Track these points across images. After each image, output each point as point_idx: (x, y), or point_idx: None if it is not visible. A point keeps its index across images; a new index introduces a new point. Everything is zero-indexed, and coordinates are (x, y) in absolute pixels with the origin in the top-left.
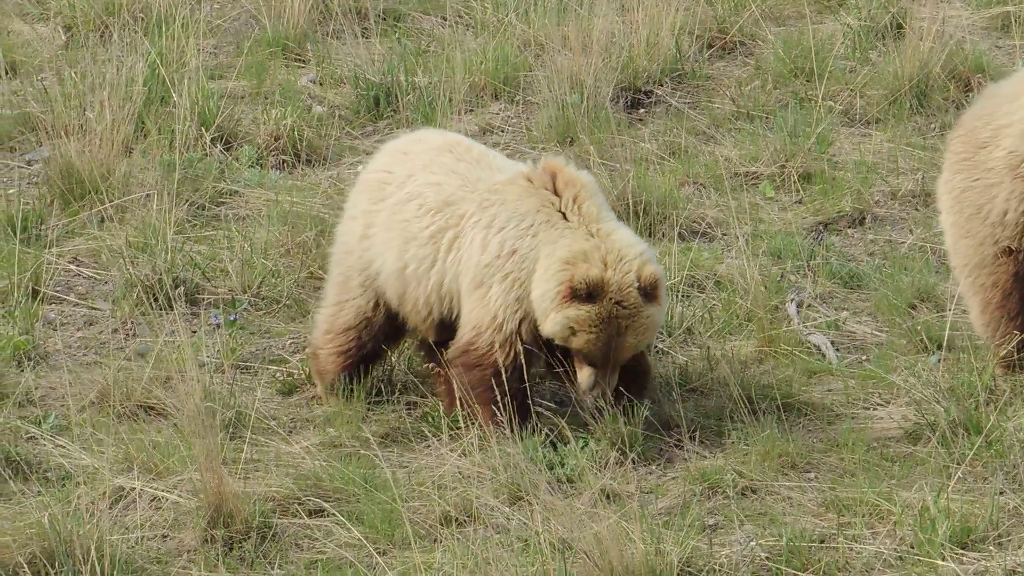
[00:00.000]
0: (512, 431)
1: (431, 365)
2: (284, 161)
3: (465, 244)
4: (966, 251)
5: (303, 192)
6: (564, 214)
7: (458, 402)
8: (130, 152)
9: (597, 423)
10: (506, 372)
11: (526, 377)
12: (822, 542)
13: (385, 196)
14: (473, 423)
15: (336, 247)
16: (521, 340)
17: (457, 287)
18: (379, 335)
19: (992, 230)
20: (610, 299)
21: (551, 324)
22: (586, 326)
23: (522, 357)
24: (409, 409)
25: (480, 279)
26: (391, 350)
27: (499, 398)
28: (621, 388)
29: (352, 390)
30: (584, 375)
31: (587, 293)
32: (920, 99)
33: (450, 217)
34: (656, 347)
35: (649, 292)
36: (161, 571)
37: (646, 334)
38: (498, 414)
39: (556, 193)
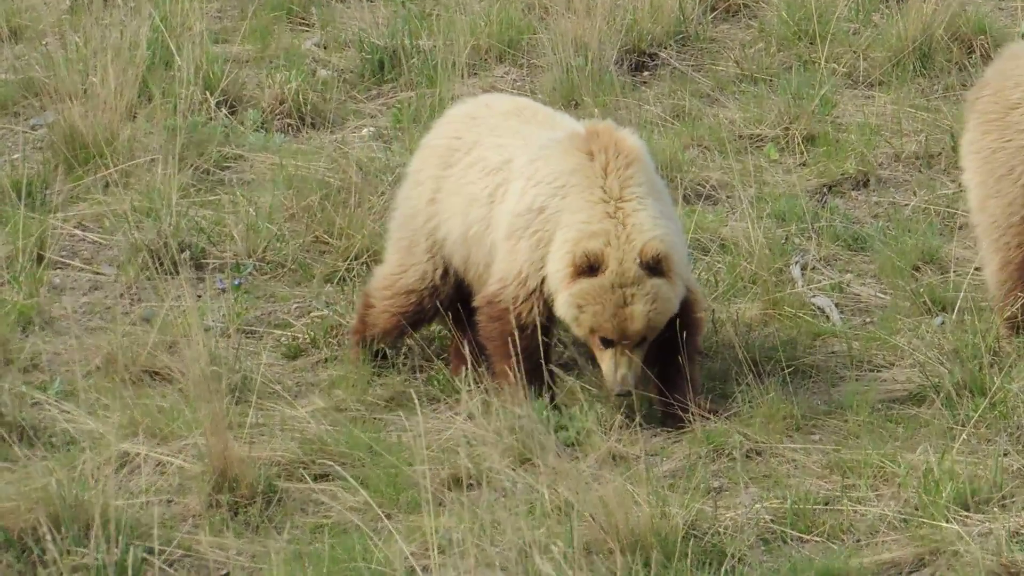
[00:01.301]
0: (522, 391)
1: (440, 328)
2: (289, 125)
3: (507, 195)
4: (994, 210)
5: (308, 156)
6: (591, 182)
7: (468, 363)
8: (134, 117)
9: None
10: (527, 329)
11: (548, 337)
12: (826, 504)
13: (453, 162)
14: (480, 384)
15: (399, 211)
16: (544, 299)
17: (497, 240)
18: (443, 301)
19: (1023, 192)
20: (611, 271)
21: (561, 305)
22: (590, 299)
23: (544, 316)
24: (415, 373)
25: (511, 229)
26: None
27: (515, 355)
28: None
29: (361, 356)
30: (605, 360)
31: (588, 266)
32: (923, 61)
33: (505, 174)
34: None
35: (652, 266)
36: (166, 536)
37: (655, 305)
38: (510, 373)
39: (592, 157)
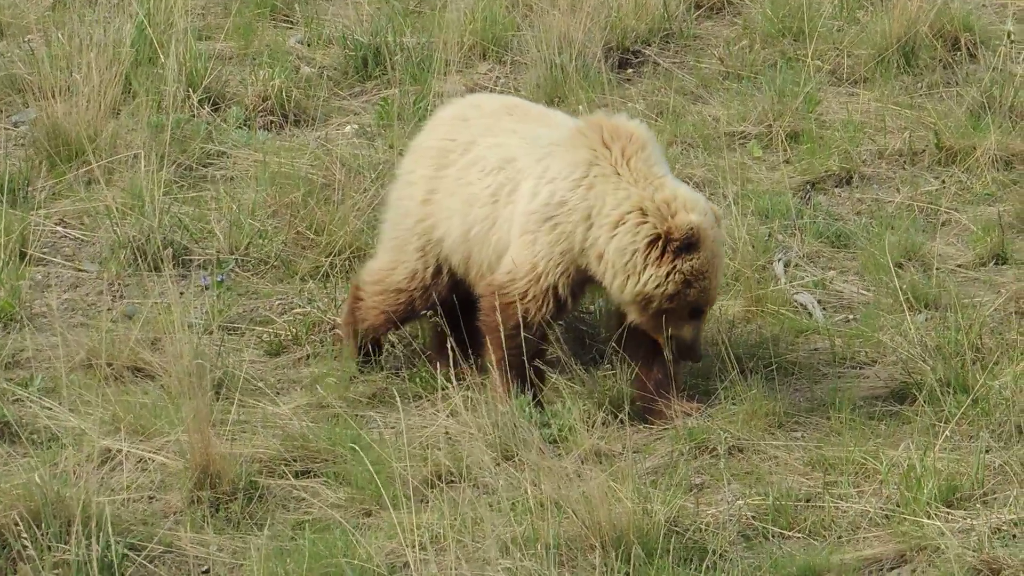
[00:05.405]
0: (514, 388)
1: (430, 314)
2: (272, 122)
3: (517, 196)
4: None
5: (291, 153)
6: (616, 169)
7: (451, 360)
8: (117, 113)
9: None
10: (531, 326)
11: (547, 334)
12: (808, 501)
13: (448, 163)
14: (463, 381)
15: (391, 212)
16: (556, 297)
17: (509, 240)
18: (435, 300)
19: None
20: (707, 241)
21: (651, 281)
22: (699, 273)
23: (551, 314)
24: (398, 370)
25: (526, 226)
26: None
27: (515, 350)
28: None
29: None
30: (689, 331)
31: (692, 241)
32: (907, 58)
33: (509, 174)
34: None
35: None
36: (147, 532)
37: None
38: (503, 365)
39: (606, 147)
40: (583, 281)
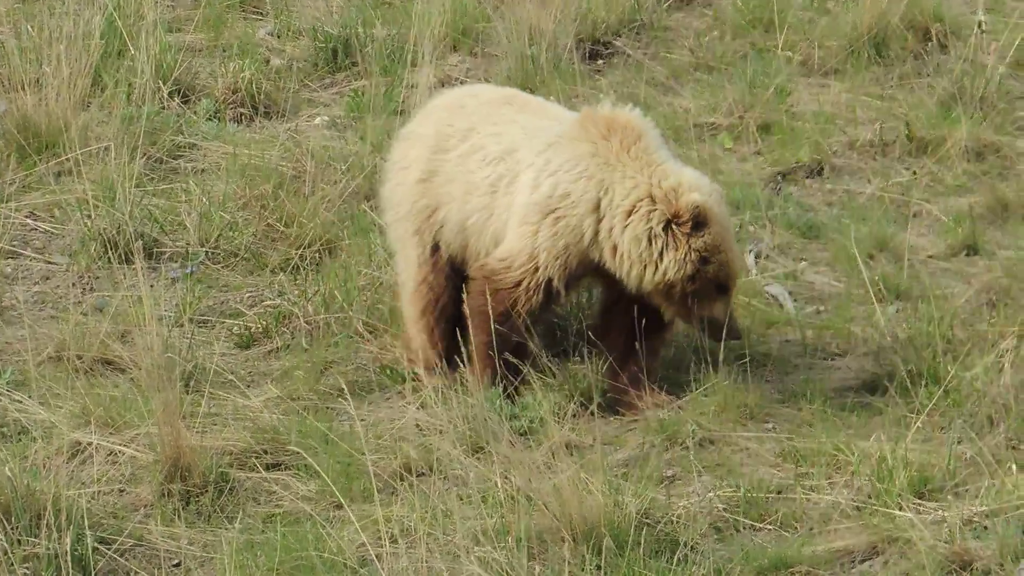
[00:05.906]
0: (488, 374)
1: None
2: (242, 114)
3: (516, 187)
4: None
5: (261, 145)
6: (618, 159)
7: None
8: (87, 106)
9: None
10: (518, 316)
11: (532, 324)
12: (780, 492)
13: (448, 148)
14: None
15: (389, 212)
16: (549, 289)
17: (506, 231)
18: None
19: None
20: (716, 216)
21: (671, 266)
22: (715, 248)
23: (540, 305)
24: (367, 362)
25: (527, 217)
26: None
27: (498, 336)
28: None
29: (310, 345)
30: (720, 308)
31: (697, 220)
32: (878, 49)
33: (510, 165)
34: None
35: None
36: (118, 526)
37: None
38: (485, 350)
39: (605, 139)
40: (580, 275)
